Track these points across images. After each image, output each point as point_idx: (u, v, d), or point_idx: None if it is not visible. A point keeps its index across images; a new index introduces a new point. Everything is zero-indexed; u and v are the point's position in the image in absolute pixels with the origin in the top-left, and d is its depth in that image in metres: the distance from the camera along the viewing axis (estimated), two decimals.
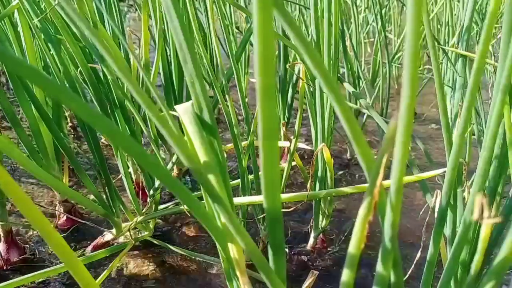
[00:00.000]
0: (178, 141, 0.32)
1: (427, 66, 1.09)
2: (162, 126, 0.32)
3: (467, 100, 0.42)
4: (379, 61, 1.17)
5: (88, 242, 0.91)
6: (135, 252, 0.89)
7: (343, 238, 1.00)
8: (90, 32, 0.34)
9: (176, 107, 0.42)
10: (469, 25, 0.65)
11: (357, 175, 1.25)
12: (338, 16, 0.68)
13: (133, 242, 0.79)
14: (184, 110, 0.42)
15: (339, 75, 0.77)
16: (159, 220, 1.01)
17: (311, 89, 0.69)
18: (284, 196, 0.54)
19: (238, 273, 0.40)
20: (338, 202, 1.14)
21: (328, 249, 0.95)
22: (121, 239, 0.89)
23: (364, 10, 1.82)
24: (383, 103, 1.19)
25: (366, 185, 0.65)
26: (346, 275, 0.31)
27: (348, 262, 0.31)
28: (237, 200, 0.57)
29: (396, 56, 1.39)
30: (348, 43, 1.60)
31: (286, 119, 1.21)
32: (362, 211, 0.30)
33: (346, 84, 0.82)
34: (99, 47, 0.36)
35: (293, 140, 0.73)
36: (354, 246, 0.31)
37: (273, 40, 0.26)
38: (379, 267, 0.33)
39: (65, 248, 0.26)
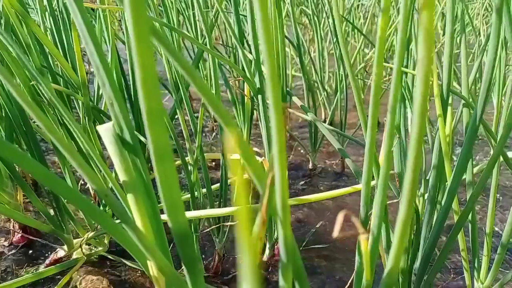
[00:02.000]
0: (82, 166, 0.33)
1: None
2: (63, 150, 0.33)
3: (388, 116, 0.44)
4: (341, 73, 1.19)
5: (44, 259, 0.90)
6: (90, 268, 0.89)
7: (301, 248, 1.01)
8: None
9: (97, 127, 0.43)
10: (403, 37, 0.67)
11: (319, 185, 1.27)
12: (279, 30, 0.70)
13: (85, 258, 0.79)
14: (105, 131, 0.43)
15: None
16: None
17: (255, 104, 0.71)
18: (218, 211, 0.55)
19: None
20: (299, 211, 1.16)
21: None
22: (76, 255, 0.89)
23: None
24: (342, 114, 1.22)
25: (308, 196, 0.67)
26: None
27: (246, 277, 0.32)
28: (189, 214, 0.57)
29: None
30: (313, 54, 1.63)
31: (247, 130, 1.22)
32: (256, 228, 0.31)
33: (294, 98, 0.84)
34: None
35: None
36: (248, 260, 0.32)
37: (153, 65, 0.27)
38: (280, 281, 0.34)
39: None
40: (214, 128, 1.62)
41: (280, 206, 0.29)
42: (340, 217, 0.24)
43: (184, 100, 0.69)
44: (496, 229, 1.11)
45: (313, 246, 1.03)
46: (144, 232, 0.41)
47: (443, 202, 0.62)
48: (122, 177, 0.41)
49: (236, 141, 0.30)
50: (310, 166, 1.33)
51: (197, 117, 1.51)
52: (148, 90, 0.28)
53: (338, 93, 1.17)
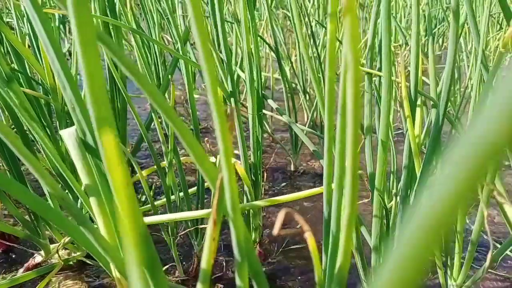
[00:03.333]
0: (39, 170, 0.33)
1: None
2: (24, 158, 0.34)
3: (349, 120, 0.45)
4: (319, 76, 1.20)
5: (23, 265, 0.90)
6: (68, 273, 0.89)
7: (280, 249, 1.02)
8: None
9: (61, 132, 0.44)
10: (372, 44, 0.69)
11: (300, 186, 1.28)
12: (252, 34, 0.70)
13: (62, 263, 0.79)
14: (68, 135, 0.43)
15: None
16: None
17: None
18: (195, 213, 0.56)
19: None
20: (277, 211, 1.16)
21: (266, 262, 0.97)
22: (55, 260, 0.88)
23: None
24: (322, 116, 1.23)
25: (281, 197, 0.68)
26: None
27: (202, 277, 0.33)
28: (147, 219, 0.58)
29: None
30: (293, 58, 1.64)
31: None
32: (208, 229, 0.32)
33: (270, 101, 0.85)
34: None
35: (219, 157, 0.75)
36: (204, 262, 0.32)
37: (101, 72, 0.28)
38: (237, 280, 0.35)
39: None
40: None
41: (230, 207, 0.30)
42: (281, 215, 0.25)
43: None
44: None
45: (293, 247, 1.04)
46: (106, 234, 0.41)
47: (411, 202, 0.63)
48: (84, 180, 0.42)
49: (185, 142, 0.31)
50: (292, 167, 1.34)
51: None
52: (96, 97, 0.28)
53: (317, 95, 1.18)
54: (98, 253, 0.40)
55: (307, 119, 1.60)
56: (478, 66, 0.62)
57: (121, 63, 0.28)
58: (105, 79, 0.95)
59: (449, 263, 0.75)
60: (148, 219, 0.58)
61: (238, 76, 0.94)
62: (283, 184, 1.27)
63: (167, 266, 0.88)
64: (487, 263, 0.54)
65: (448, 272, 0.75)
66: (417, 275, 0.09)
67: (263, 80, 1.75)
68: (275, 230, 0.24)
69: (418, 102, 0.75)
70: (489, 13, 0.63)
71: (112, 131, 0.29)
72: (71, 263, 0.89)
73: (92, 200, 0.41)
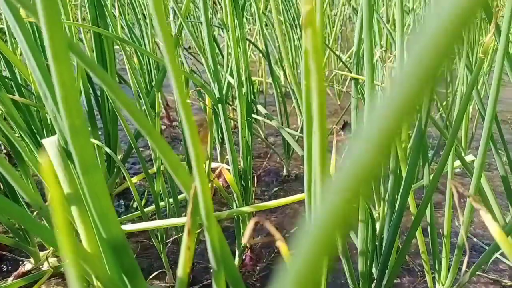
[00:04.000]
0: (16, 180, 0.34)
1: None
2: (2, 168, 0.34)
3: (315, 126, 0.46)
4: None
5: (13, 272, 0.90)
6: (59, 280, 0.89)
7: (272, 255, 1.02)
8: None
9: (43, 141, 0.44)
10: (358, 50, 0.69)
11: (292, 191, 1.28)
12: (240, 39, 0.71)
13: (52, 270, 0.79)
14: (50, 144, 0.43)
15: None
16: None
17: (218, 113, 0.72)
18: (171, 221, 0.56)
19: None
20: (273, 217, 1.17)
21: (257, 267, 0.97)
22: (46, 268, 0.88)
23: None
24: None
25: (266, 203, 0.68)
26: None
27: (178, 286, 0.33)
28: (133, 226, 0.58)
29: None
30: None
31: (220, 139, 1.23)
32: (183, 239, 0.32)
33: (259, 106, 0.85)
34: None
35: (207, 162, 0.76)
36: (180, 270, 0.33)
37: (73, 82, 0.28)
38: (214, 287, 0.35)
39: None
40: None
41: (204, 216, 0.30)
42: (251, 224, 0.25)
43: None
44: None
45: None
46: (87, 243, 0.41)
47: (396, 206, 0.64)
48: (66, 189, 0.42)
49: (160, 151, 0.31)
50: (285, 172, 1.34)
51: (175, 126, 1.51)
52: (70, 107, 0.28)
53: (299, 100, 1.19)
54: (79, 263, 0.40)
55: (299, 123, 1.60)
56: (463, 69, 0.63)
57: (94, 75, 0.29)
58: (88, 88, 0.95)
59: (436, 267, 0.75)
60: (124, 227, 0.58)
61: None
62: (276, 188, 1.27)
63: (157, 273, 0.88)
64: (463, 268, 0.54)
65: (436, 276, 0.76)
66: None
67: (257, 85, 1.76)
68: (244, 239, 0.25)
69: None
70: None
71: (86, 138, 0.29)
72: (61, 270, 0.88)
73: (74, 209, 0.41)
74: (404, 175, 0.69)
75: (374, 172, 0.09)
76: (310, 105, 0.40)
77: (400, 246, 0.70)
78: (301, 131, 1.35)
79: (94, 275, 0.37)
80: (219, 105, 0.69)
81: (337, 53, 1.80)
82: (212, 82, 0.67)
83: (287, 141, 1.30)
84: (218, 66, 0.83)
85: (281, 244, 0.27)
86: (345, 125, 1.67)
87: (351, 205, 0.09)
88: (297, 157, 1.46)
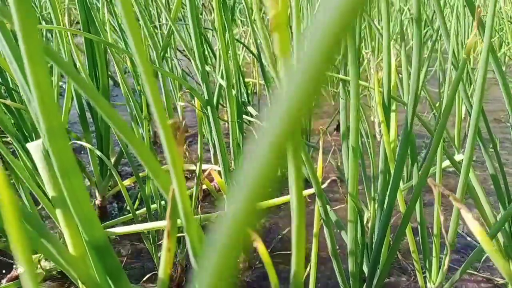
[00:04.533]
0: None
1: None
2: None
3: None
4: None
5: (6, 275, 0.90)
6: (52, 284, 0.89)
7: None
8: None
9: (27, 145, 0.44)
10: (345, 51, 0.70)
11: (287, 193, 1.29)
12: (230, 42, 0.71)
13: (44, 273, 0.79)
14: (35, 148, 0.44)
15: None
16: None
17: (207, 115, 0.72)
18: (152, 224, 0.57)
19: None
20: (267, 218, 1.17)
21: (250, 269, 0.98)
22: (39, 270, 0.88)
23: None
24: (306, 120, 1.24)
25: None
26: None
27: (159, 286, 0.33)
28: (120, 229, 0.58)
29: None
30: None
31: (213, 141, 1.23)
32: (164, 240, 0.33)
33: (250, 108, 0.86)
34: None
35: (198, 164, 0.76)
36: (161, 272, 0.33)
37: (49, 83, 0.28)
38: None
39: None
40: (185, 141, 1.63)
41: (183, 217, 0.31)
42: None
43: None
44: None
45: (279, 252, 1.04)
46: (72, 246, 0.41)
47: (385, 205, 0.64)
48: (51, 193, 0.42)
49: (139, 155, 0.31)
50: (279, 174, 1.35)
51: None
52: (47, 109, 0.29)
53: None
54: (63, 265, 0.40)
55: None
56: (449, 68, 0.63)
57: (71, 78, 0.29)
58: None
59: (427, 266, 0.76)
60: (112, 230, 0.58)
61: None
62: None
63: (149, 275, 0.88)
64: (445, 265, 0.54)
65: (427, 275, 0.76)
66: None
67: (251, 86, 1.76)
68: None
69: (394, 107, 0.76)
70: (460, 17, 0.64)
71: (65, 140, 0.30)
72: (54, 273, 0.89)
73: (58, 212, 0.42)
74: (392, 174, 0.70)
75: (271, 173, 0.10)
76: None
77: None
78: None
79: (79, 278, 0.38)
80: (208, 107, 0.69)
81: None
82: (201, 83, 0.67)
83: None
84: (206, 67, 0.84)
85: (258, 244, 0.28)
86: (339, 126, 1.68)
87: (255, 202, 0.10)
88: None
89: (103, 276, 0.39)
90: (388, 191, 0.62)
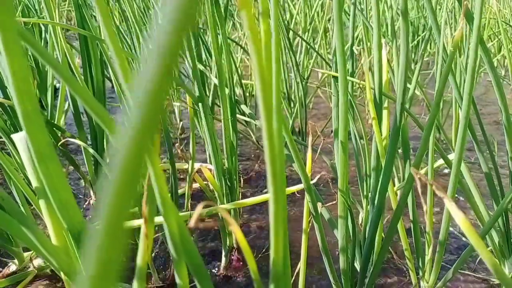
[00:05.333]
0: None
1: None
2: None
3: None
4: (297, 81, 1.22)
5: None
6: (44, 282, 0.88)
7: (260, 255, 1.02)
8: None
9: (12, 136, 0.44)
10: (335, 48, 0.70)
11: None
12: (223, 41, 0.71)
13: (35, 271, 0.79)
14: (19, 139, 0.44)
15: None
16: None
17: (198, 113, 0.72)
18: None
19: None
20: (259, 217, 1.17)
21: (246, 267, 0.97)
22: (32, 268, 0.88)
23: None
24: (302, 121, 1.24)
25: (245, 200, 0.68)
26: (136, 286, 0.33)
27: (137, 274, 0.33)
28: None
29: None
30: None
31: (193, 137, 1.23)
32: (142, 226, 0.32)
33: (243, 106, 0.86)
34: None
35: (190, 162, 0.76)
36: (140, 259, 0.33)
37: (25, 69, 0.28)
38: (176, 278, 0.35)
39: None
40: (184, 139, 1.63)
41: (160, 203, 0.30)
42: (199, 208, 0.25)
43: None
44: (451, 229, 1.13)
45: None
46: (54, 236, 0.41)
47: (375, 202, 0.64)
48: (34, 183, 0.42)
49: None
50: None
51: None
52: (22, 93, 0.29)
53: (298, 102, 1.20)
54: (45, 256, 0.40)
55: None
56: (440, 63, 0.63)
57: (46, 63, 0.29)
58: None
59: (420, 264, 0.75)
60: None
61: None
62: (266, 190, 1.27)
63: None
64: (428, 256, 0.54)
65: (420, 273, 0.76)
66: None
67: (249, 88, 1.76)
68: (191, 222, 0.25)
69: (386, 105, 0.75)
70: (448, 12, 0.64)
71: (41, 124, 0.30)
72: (47, 271, 0.88)
73: (41, 203, 0.42)
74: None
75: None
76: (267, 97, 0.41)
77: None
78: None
79: (60, 268, 0.37)
80: (200, 104, 0.69)
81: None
82: (193, 81, 0.68)
83: None
84: (201, 67, 0.84)
85: (234, 230, 0.28)
86: None
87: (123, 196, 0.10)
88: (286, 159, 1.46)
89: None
90: (379, 186, 0.62)
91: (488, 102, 2.17)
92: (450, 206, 0.38)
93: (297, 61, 1.19)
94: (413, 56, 2.26)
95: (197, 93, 0.68)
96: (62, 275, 0.41)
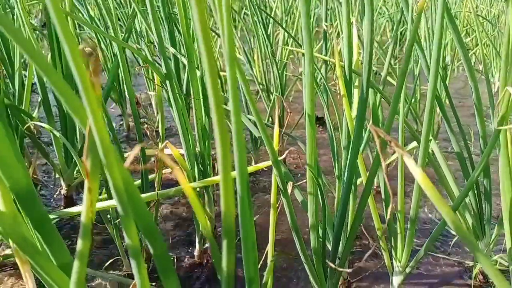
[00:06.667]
0: None
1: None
2: None
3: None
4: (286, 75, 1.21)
5: None
6: (12, 271, 0.86)
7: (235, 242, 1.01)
8: None
9: None
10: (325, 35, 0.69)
11: (260, 182, 1.28)
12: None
13: (0, 258, 0.76)
14: None
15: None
16: None
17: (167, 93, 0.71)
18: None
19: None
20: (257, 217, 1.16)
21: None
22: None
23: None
24: (281, 113, 1.23)
25: (213, 178, 0.67)
26: (80, 245, 0.32)
27: (81, 232, 0.31)
28: (76, 208, 0.56)
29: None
30: (255, 56, 1.65)
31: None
32: (85, 183, 0.31)
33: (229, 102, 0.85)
34: None
35: (159, 143, 0.74)
36: (83, 216, 0.31)
37: None
38: (126, 239, 0.34)
39: None
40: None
41: (101, 151, 0.29)
42: (136, 149, 0.24)
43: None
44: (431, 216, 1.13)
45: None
46: (3, 203, 0.40)
47: (345, 178, 0.63)
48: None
49: (58, 90, 0.30)
50: (253, 164, 1.33)
51: (143, 123, 1.49)
52: None
53: (275, 91, 1.19)
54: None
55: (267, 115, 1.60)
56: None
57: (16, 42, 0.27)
58: None
59: (393, 244, 0.75)
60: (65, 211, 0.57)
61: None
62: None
63: (111, 261, 0.86)
64: (407, 240, 0.53)
65: (393, 253, 0.75)
66: None
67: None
68: (126, 163, 0.24)
69: (356, 83, 0.75)
70: None
71: None
72: (13, 259, 0.86)
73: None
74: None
75: None
76: (237, 99, 0.39)
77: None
78: (270, 123, 1.35)
79: (6, 234, 0.36)
80: (167, 82, 0.68)
81: None
82: (159, 57, 0.66)
83: (254, 135, 1.30)
84: (174, 50, 0.83)
85: (177, 173, 0.26)
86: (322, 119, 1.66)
87: None
88: (265, 149, 1.46)
89: (31, 230, 0.37)
90: (348, 160, 0.61)
91: (466, 96, 2.20)
92: (408, 161, 0.37)
93: (273, 50, 1.18)
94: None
95: (164, 70, 0.67)
96: (11, 242, 0.40)
